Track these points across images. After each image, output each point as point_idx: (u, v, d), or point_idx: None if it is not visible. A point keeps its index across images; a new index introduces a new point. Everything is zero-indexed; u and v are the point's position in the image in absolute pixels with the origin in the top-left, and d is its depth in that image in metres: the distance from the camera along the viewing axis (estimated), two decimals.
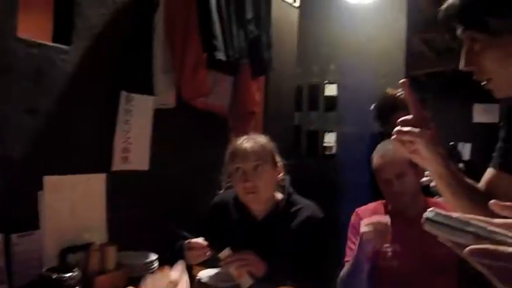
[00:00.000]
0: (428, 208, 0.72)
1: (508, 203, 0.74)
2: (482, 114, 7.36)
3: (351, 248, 1.89)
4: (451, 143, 6.85)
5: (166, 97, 2.23)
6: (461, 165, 6.48)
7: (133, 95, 2.05)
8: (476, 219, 0.74)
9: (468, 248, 0.59)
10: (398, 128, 1.09)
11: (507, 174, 1.16)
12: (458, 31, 1.01)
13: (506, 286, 0.58)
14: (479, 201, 1.08)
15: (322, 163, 3.43)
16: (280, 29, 3.12)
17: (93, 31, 1.95)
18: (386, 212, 1.93)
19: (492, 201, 0.75)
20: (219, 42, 2.15)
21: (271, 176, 1.85)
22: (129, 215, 2.03)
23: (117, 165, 2.03)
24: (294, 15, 3.41)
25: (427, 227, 0.67)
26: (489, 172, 1.21)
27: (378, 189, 1.92)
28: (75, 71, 1.88)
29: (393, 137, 1.10)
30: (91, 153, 1.96)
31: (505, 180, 1.16)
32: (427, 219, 0.67)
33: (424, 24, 5.05)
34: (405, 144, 1.10)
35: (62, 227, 1.78)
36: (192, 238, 1.78)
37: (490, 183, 1.19)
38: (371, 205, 2.04)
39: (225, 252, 1.71)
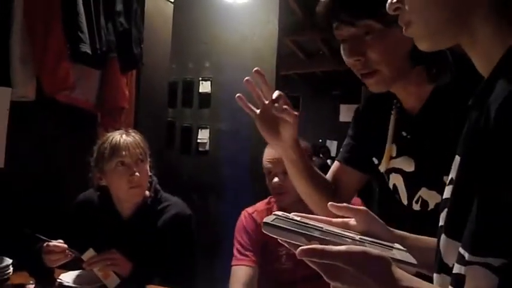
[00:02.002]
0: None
1: (342, 204, 0.82)
2: (347, 113, 7.96)
3: (241, 252, 1.92)
4: (320, 141, 7.32)
5: (25, 89, 2.06)
6: (329, 161, 6.95)
7: None
8: (317, 220, 0.80)
9: (299, 248, 0.63)
10: (279, 104, 1.11)
11: (350, 167, 1.31)
12: (339, 26, 1.04)
13: (333, 282, 0.64)
14: (323, 188, 1.25)
15: (196, 159, 3.44)
16: (154, 23, 3.06)
17: None
18: (278, 209, 1.99)
19: (329, 203, 0.82)
20: (85, 34, 2.05)
21: (148, 171, 1.82)
22: None
23: None
24: (169, 10, 3.37)
25: (266, 230, 0.69)
26: (335, 165, 1.36)
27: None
28: None
29: (276, 105, 1.11)
30: None
31: (348, 173, 1.32)
32: (265, 223, 0.69)
33: (295, 27, 5.33)
34: (281, 122, 1.13)
35: None
36: (49, 241, 1.67)
37: (335, 174, 1.34)
38: (262, 203, 2.07)
39: (88, 254, 1.65)
